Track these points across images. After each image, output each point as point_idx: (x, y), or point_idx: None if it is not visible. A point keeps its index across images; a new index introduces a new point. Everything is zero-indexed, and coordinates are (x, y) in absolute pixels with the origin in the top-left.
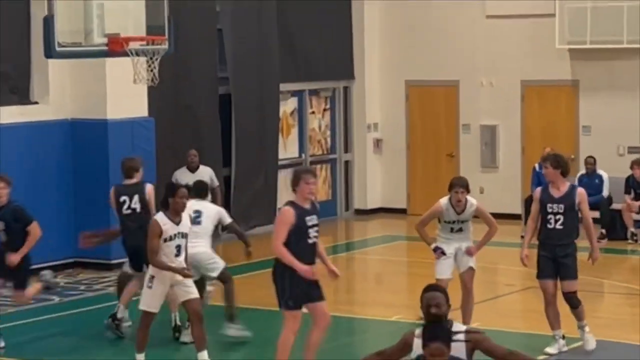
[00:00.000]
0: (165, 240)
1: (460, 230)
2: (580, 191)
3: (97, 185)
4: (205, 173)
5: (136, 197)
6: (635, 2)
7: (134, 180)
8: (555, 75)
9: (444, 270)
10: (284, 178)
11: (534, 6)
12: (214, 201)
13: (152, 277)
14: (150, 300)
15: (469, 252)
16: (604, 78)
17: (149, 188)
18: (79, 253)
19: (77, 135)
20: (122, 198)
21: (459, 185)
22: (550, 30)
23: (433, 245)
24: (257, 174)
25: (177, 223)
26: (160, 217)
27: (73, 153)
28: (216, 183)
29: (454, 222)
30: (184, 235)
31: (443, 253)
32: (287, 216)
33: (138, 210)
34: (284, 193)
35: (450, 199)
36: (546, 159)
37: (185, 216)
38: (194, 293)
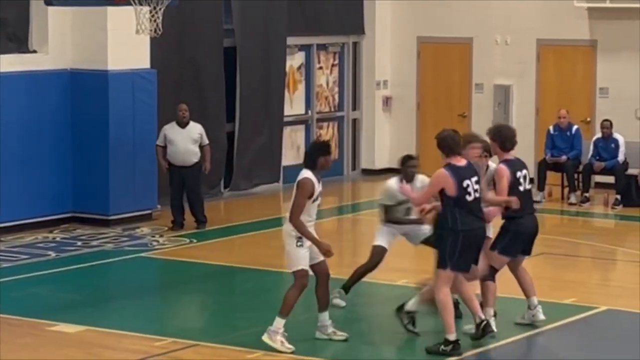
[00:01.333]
0: (314, 201)
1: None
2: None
3: (96, 138)
4: (195, 130)
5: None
6: None
7: None
8: (572, 35)
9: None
10: (289, 135)
11: None
12: (203, 160)
13: (300, 237)
14: (303, 259)
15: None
16: (623, 39)
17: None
18: (76, 207)
19: (77, 86)
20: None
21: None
22: None
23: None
24: (262, 130)
25: (319, 181)
26: (311, 176)
27: (72, 104)
28: (206, 141)
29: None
30: (321, 193)
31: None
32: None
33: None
34: (289, 151)
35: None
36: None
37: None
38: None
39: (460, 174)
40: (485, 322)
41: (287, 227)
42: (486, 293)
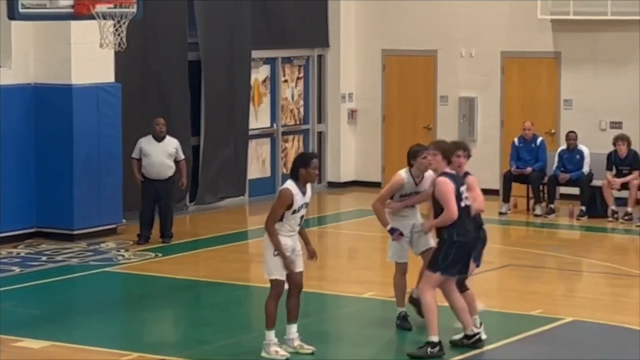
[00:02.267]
0: (293, 212)
1: (412, 205)
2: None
3: (61, 152)
4: (171, 144)
5: None
6: None
7: None
8: (536, 47)
9: (404, 253)
10: (254, 149)
11: None
12: (180, 175)
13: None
14: (277, 269)
15: (425, 231)
16: (586, 51)
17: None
18: (41, 222)
19: (41, 101)
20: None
21: (425, 149)
22: (532, 1)
23: (389, 227)
24: (227, 144)
25: (304, 194)
26: (292, 187)
27: (36, 119)
28: (182, 156)
29: (409, 194)
30: (307, 206)
31: (401, 234)
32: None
33: None
34: (255, 164)
35: (410, 170)
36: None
37: (309, 187)
38: (301, 266)
39: (457, 181)
40: (478, 335)
41: (266, 236)
42: (470, 302)
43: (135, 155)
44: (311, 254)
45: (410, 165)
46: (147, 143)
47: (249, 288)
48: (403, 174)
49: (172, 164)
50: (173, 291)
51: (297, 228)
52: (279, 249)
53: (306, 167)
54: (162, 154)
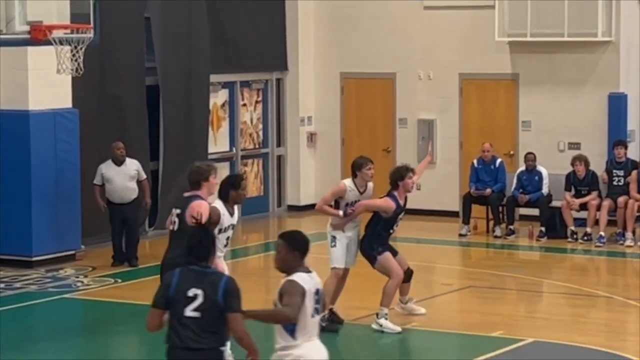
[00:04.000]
0: (219, 232)
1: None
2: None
3: (18, 178)
4: (132, 166)
5: None
6: None
7: None
8: (494, 69)
9: (345, 259)
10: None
11: None
12: (143, 195)
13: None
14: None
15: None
16: (544, 72)
17: None
18: None
19: None
20: None
21: (369, 161)
22: (489, 23)
23: (341, 212)
24: (186, 168)
25: (232, 214)
26: (220, 206)
27: None
28: (143, 176)
29: (353, 202)
30: (234, 227)
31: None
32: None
33: None
34: None
35: (354, 179)
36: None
37: (237, 209)
38: None
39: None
40: None
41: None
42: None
43: (96, 181)
44: None
45: (354, 176)
46: (107, 168)
47: None
48: (347, 182)
49: (135, 186)
50: (134, 317)
51: (225, 250)
52: None
53: (236, 188)
54: (124, 178)
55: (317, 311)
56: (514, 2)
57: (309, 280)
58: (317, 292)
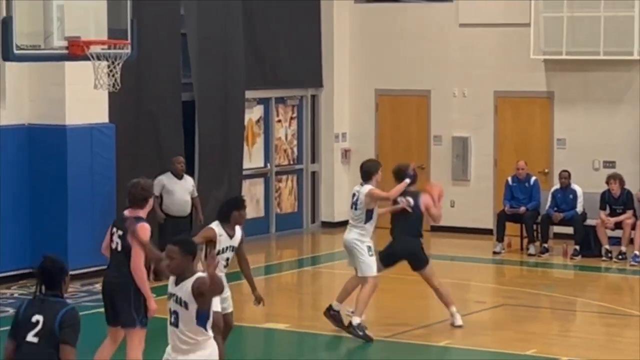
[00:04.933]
0: (218, 253)
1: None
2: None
3: (55, 192)
4: (190, 182)
5: None
6: (612, 12)
7: None
8: (529, 87)
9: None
10: (248, 188)
11: (508, 15)
12: (197, 212)
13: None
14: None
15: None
16: (579, 90)
17: None
18: (35, 263)
19: (34, 141)
20: None
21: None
22: (525, 40)
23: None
24: (220, 184)
25: (231, 236)
26: (217, 227)
27: (30, 159)
28: (195, 193)
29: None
30: (234, 249)
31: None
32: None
33: None
34: (249, 204)
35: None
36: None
37: (239, 230)
38: (231, 307)
39: None
40: None
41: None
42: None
43: (155, 192)
44: (257, 300)
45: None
46: (168, 180)
47: (242, 328)
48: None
49: (190, 201)
50: (164, 332)
51: (224, 270)
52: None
53: (239, 209)
54: (184, 192)
55: None
56: (549, 20)
57: None
58: None
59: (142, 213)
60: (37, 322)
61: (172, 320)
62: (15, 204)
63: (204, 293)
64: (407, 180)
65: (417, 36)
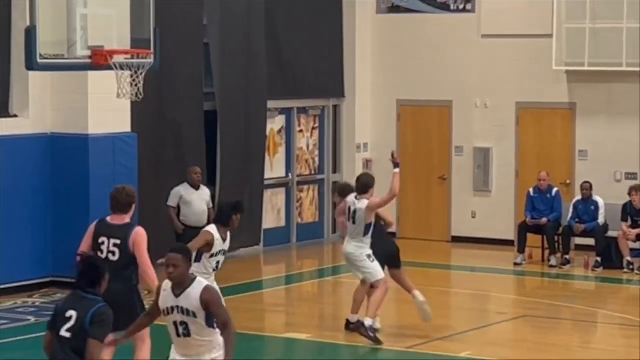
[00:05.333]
0: (211, 256)
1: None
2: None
3: (77, 201)
4: (206, 192)
5: None
6: (635, 24)
7: None
8: (551, 98)
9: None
10: (270, 198)
11: (531, 26)
12: (208, 222)
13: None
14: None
15: None
16: (602, 101)
17: None
18: (56, 271)
19: (57, 150)
20: None
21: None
22: (547, 51)
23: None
24: (242, 193)
25: (224, 240)
26: (214, 231)
27: (52, 168)
28: (211, 204)
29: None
30: (225, 254)
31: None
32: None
33: None
34: (270, 214)
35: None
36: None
37: (229, 235)
38: None
39: None
40: None
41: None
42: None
43: (172, 203)
44: None
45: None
46: (185, 191)
47: (263, 338)
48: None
49: (207, 211)
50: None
51: (213, 273)
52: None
53: (238, 213)
54: (201, 202)
55: None
56: (572, 31)
57: None
58: None
59: (128, 219)
60: (71, 317)
61: (182, 331)
62: (37, 213)
63: (210, 309)
64: (397, 170)
65: (439, 47)
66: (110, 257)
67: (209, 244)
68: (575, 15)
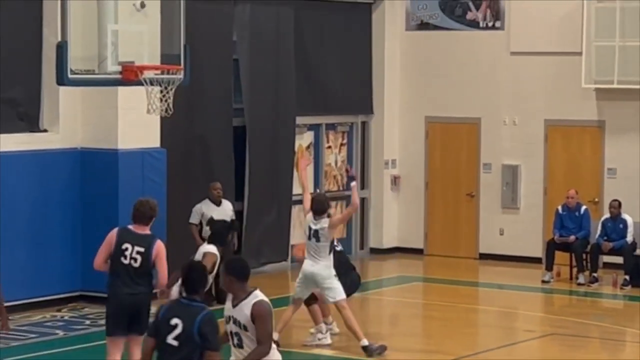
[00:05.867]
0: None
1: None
2: None
3: (106, 216)
4: (229, 207)
5: None
6: None
7: None
8: (580, 115)
9: None
10: (297, 214)
11: (560, 44)
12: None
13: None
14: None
15: None
16: (630, 119)
17: None
18: (85, 286)
19: (87, 165)
20: None
21: None
22: (576, 69)
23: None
24: (270, 209)
25: (222, 261)
26: (216, 251)
27: (82, 183)
28: (233, 217)
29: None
30: None
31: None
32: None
33: None
34: (298, 230)
35: None
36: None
37: None
38: None
39: None
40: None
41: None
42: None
43: (194, 220)
44: None
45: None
46: (207, 208)
47: (291, 354)
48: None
49: None
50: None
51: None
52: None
53: (234, 232)
54: (222, 218)
55: None
56: (601, 49)
57: None
58: None
59: (148, 230)
60: (176, 325)
61: (236, 342)
62: (66, 227)
63: (255, 322)
64: (354, 183)
65: (468, 64)
66: (133, 263)
67: (214, 265)
68: (605, 33)
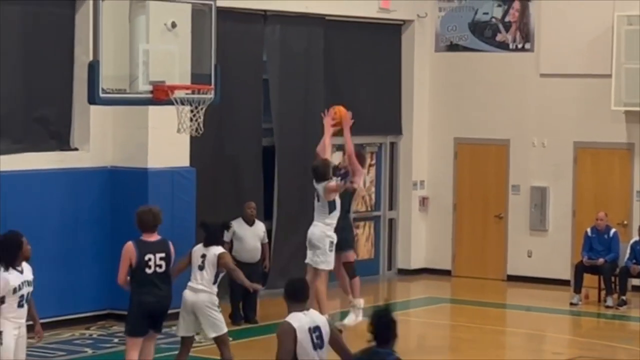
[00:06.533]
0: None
1: None
2: None
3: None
4: (261, 228)
5: None
6: None
7: None
8: (609, 138)
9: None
10: None
11: (589, 66)
12: (263, 258)
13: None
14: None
15: None
16: None
17: None
18: (113, 304)
19: (116, 184)
20: None
21: None
22: (605, 91)
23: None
24: (298, 228)
25: None
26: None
27: (111, 202)
28: (266, 239)
29: None
30: None
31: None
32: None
33: None
34: None
35: None
36: None
37: None
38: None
39: None
40: None
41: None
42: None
43: (225, 238)
44: None
45: None
46: (239, 227)
47: None
48: None
49: (260, 247)
50: None
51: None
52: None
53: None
54: (254, 238)
55: (317, 346)
56: (630, 71)
57: (302, 317)
58: (315, 328)
59: (157, 235)
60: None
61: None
62: (96, 246)
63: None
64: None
65: (497, 85)
66: (158, 269)
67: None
68: (635, 55)
